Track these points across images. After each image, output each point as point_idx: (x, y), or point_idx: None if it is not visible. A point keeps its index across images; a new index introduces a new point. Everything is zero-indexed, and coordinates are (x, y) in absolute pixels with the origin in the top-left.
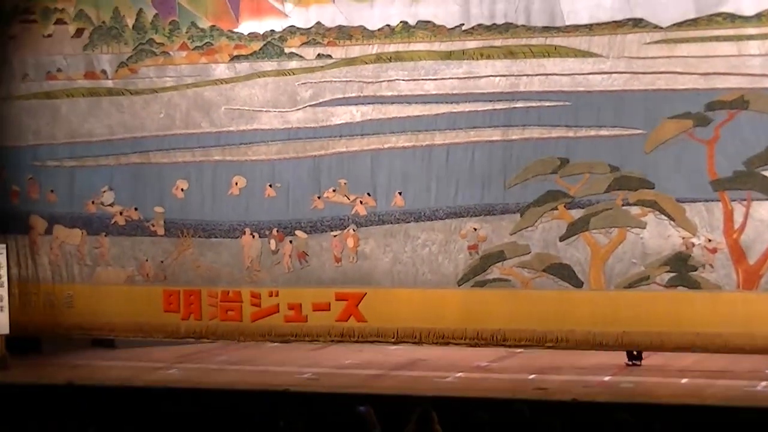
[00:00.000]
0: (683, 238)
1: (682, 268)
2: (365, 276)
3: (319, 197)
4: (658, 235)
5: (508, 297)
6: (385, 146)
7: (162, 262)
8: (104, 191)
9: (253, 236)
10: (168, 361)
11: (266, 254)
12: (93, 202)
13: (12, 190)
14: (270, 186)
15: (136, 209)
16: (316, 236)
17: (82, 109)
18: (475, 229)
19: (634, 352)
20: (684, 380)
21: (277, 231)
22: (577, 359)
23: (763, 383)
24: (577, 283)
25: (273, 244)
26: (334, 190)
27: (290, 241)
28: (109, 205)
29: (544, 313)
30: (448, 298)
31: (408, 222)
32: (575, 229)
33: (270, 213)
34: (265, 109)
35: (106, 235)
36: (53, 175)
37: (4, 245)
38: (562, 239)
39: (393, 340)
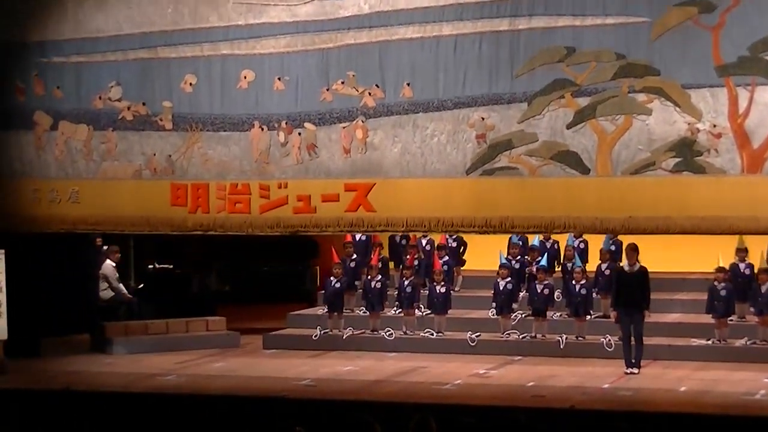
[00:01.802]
0: (688, 123)
1: (687, 154)
2: (374, 166)
3: (327, 89)
4: (663, 122)
5: (515, 185)
6: (393, 38)
7: (170, 156)
8: (111, 86)
9: (262, 129)
10: (166, 367)
11: (275, 147)
12: (100, 98)
13: (17, 86)
14: (279, 79)
15: (143, 104)
16: (325, 128)
17: (90, 5)
18: (483, 119)
19: (633, 359)
20: (682, 388)
21: (286, 123)
22: (576, 367)
23: (762, 391)
24: (584, 170)
25: (282, 136)
26: (342, 83)
27: (299, 134)
28: (117, 100)
29: (551, 200)
30: (457, 186)
31: (416, 112)
32: (582, 116)
33: (279, 106)
34: (273, 3)
35: (113, 130)
36: (59, 72)
37: (3, 251)
38: (569, 127)
39: (402, 229)
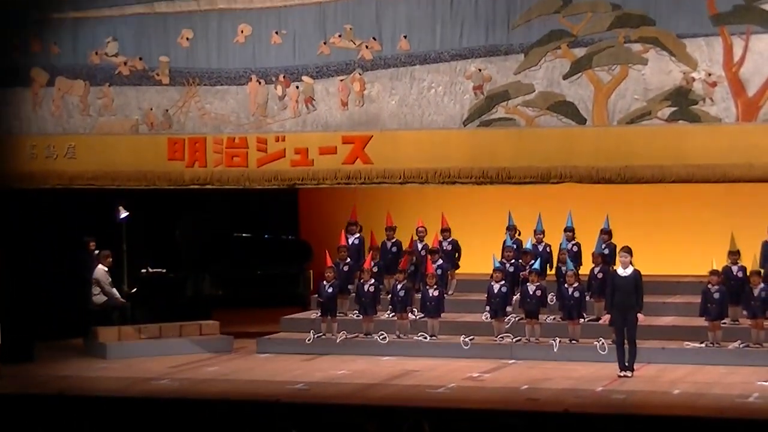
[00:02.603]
0: (684, 73)
1: (682, 103)
2: (371, 119)
3: (324, 43)
4: (659, 71)
5: (512, 136)
6: None
7: (167, 110)
8: (108, 42)
9: (260, 83)
10: (159, 371)
11: (272, 100)
12: (96, 53)
13: (14, 43)
14: (276, 33)
15: (140, 59)
16: (323, 81)
17: None
18: (480, 70)
19: (626, 363)
20: (676, 391)
21: (284, 77)
22: (569, 371)
23: (756, 394)
24: (581, 120)
25: (279, 90)
26: (339, 36)
27: (297, 87)
28: (113, 55)
29: (548, 151)
30: (454, 138)
31: (413, 65)
32: (578, 67)
33: (276, 60)
34: None
35: (109, 86)
36: (56, 28)
37: None
38: (565, 77)
39: (399, 181)
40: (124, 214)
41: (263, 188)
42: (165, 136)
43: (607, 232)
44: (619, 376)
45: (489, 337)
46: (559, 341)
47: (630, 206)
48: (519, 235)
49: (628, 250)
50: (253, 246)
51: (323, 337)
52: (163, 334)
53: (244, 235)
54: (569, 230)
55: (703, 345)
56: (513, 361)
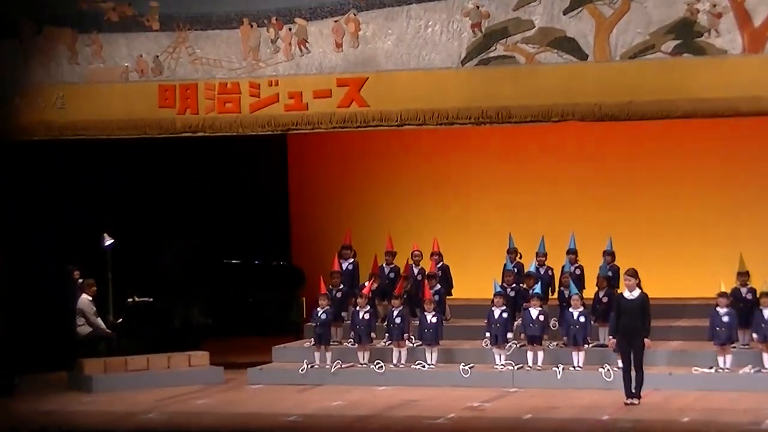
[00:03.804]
0: (688, 4)
1: (687, 35)
2: (367, 60)
3: None
4: (662, 3)
5: (512, 74)
6: None
7: (157, 56)
8: None
9: (251, 26)
10: (147, 405)
11: (265, 43)
12: (84, 0)
13: None
14: None
15: (129, 4)
16: (316, 23)
17: None
18: (478, 7)
19: (633, 389)
20: (685, 419)
21: (276, 19)
22: (574, 399)
23: (767, 421)
24: (582, 56)
25: (272, 32)
26: None
27: (289, 29)
28: (102, 1)
29: (549, 88)
30: (452, 78)
31: (409, 3)
32: (579, 1)
33: (268, 1)
34: None
35: (98, 33)
36: None
37: None
38: (565, 12)
39: (396, 123)
40: (108, 241)
41: (254, 134)
42: (156, 83)
43: (610, 254)
44: (626, 404)
45: (489, 365)
46: (563, 368)
47: (633, 226)
48: (520, 258)
49: (632, 273)
50: (243, 272)
51: (317, 366)
52: (150, 366)
53: (233, 261)
54: (572, 252)
55: (712, 370)
56: (515, 389)
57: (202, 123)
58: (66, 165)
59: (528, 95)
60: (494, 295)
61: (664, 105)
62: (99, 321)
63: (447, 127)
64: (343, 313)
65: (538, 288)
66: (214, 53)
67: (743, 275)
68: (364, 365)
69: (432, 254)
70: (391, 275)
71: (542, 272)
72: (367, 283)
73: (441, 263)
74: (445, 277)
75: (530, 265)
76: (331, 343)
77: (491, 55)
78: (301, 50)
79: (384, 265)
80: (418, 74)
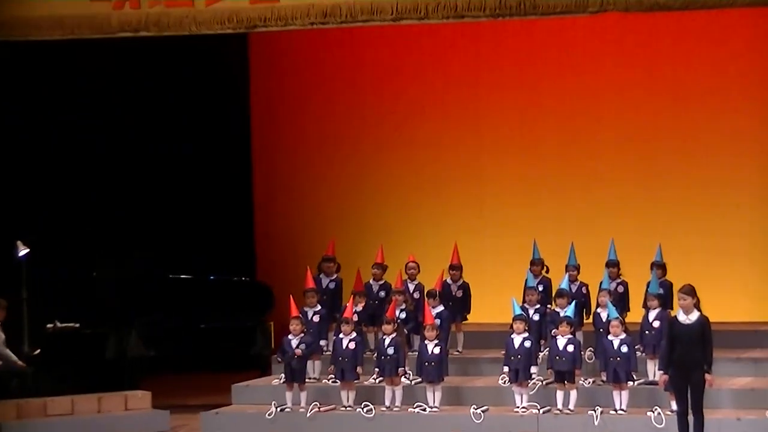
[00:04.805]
0: None
1: None
2: None
3: None
4: None
5: None
6: None
7: None
8: None
9: None
10: None
11: None
12: None
13: None
14: None
15: None
16: None
17: None
18: None
19: None
20: None
21: None
22: None
23: None
24: None
25: None
26: None
27: None
28: None
29: None
30: None
31: None
32: None
33: None
34: None
35: None
36: None
37: None
38: None
39: (391, 17)
40: (23, 251)
41: (212, 32)
42: None
43: (660, 266)
44: None
45: (509, 407)
46: (601, 411)
47: (686, 232)
48: (547, 272)
49: (689, 291)
50: (194, 291)
51: (289, 410)
52: (76, 410)
53: (182, 276)
54: (613, 264)
55: None
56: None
57: (146, 20)
58: None
59: None
60: (513, 318)
61: None
62: (8, 352)
63: (455, 21)
64: (322, 342)
65: (569, 310)
66: None
67: None
68: (349, 408)
69: (451, 267)
70: (381, 294)
71: (574, 290)
72: (348, 304)
73: (461, 280)
74: (464, 299)
75: (561, 281)
76: (307, 380)
77: None
78: None
79: (372, 281)
80: None
